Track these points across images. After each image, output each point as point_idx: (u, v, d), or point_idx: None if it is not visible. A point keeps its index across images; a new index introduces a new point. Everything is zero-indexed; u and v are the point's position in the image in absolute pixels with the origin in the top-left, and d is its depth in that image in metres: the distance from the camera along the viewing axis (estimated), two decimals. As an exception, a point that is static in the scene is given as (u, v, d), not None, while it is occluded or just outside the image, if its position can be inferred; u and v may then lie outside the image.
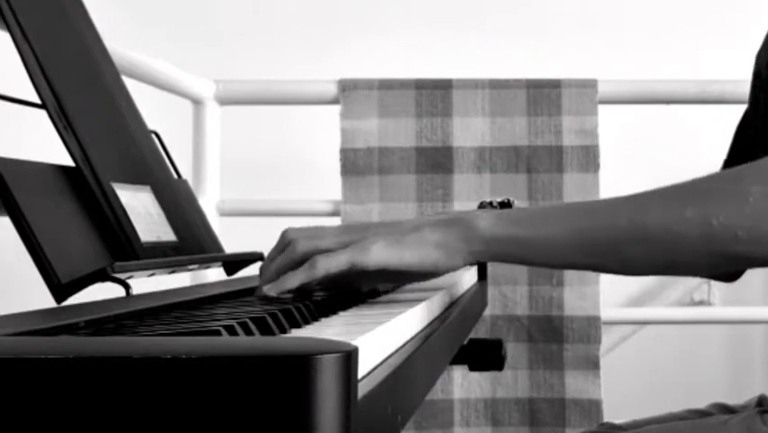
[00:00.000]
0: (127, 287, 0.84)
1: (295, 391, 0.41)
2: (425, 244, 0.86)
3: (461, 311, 1.04)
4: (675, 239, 0.82)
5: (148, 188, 1.06)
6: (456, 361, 1.36)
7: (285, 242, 0.90)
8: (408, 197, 1.93)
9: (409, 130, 1.95)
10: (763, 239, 0.81)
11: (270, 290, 0.85)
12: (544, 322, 1.91)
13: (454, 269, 0.89)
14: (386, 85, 1.96)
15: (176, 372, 0.41)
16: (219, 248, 1.24)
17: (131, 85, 1.20)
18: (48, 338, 0.54)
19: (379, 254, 0.85)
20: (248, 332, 0.59)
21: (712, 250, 0.82)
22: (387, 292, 1.06)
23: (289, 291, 0.87)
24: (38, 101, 0.93)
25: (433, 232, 0.87)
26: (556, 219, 0.87)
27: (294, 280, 0.85)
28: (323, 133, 2.22)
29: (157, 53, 1.86)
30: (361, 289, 0.94)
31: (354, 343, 0.46)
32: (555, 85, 1.95)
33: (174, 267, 1.01)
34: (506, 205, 1.26)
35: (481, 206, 1.29)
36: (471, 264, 0.90)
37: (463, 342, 1.31)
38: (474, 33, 2.71)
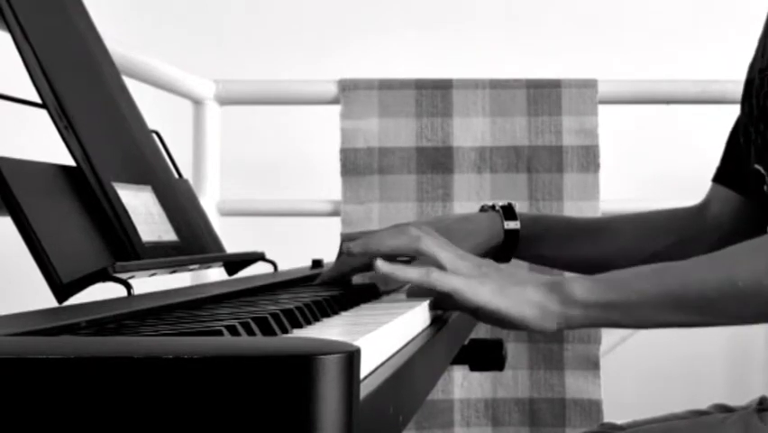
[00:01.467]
0: (128, 287, 0.84)
1: (297, 392, 0.41)
2: (524, 301, 0.92)
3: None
4: (764, 291, 0.88)
5: (149, 187, 1.06)
6: (457, 361, 1.36)
7: (409, 231, 0.96)
8: (408, 197, 1.93)
9: (409, 130, 1.94)
10: None
11: (382, 267, 0.91)
12: (545, 322, 1.91)
13: (545, 330, 0.93)
14: (386, 85, 1.96)
15: (178, 372, 0.41)
16: (220, 248, 1.24)
17: (131, 85, 1.20)
18: (49, 338, 0.54)
19: (481, 295, 0.91)
20: (250, 332, 0.59)
21: None
22: (388, 293, 1.06)
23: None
24: (38, 101, 0.93)
25: (535, 292, 0.92)
26: (647, 282, 0.92)
27: (407, 275, 0.91)
28: (323, 133, 2.22)
29: (157, 53, 1.86)
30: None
31: (356, 343, 0.46)
32: (555, 85, 1.95)
33: (175, 267, 1.01)
34: (507, 208, 1.26)
35: (482, 209, 1.29)
36: (568, 328, 0.95)
37: (464, 342, 1.31)
38: (474, 33, 2.70)
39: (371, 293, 1.00)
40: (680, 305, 0.91)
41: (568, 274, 1.42)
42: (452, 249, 0.94)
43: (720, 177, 1.28)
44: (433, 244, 0.94)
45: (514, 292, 0.91)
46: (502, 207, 1.27)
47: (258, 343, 0.47)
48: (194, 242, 1.12)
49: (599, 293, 0.91)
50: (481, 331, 1.91)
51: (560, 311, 0.92)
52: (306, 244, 1.78)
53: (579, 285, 0.92)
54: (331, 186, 2.01)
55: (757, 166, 1.12)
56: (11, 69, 1.00)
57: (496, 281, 0.92)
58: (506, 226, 1.25)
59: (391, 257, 0.97)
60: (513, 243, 1.25)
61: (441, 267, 0.92)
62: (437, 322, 0.90)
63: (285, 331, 0.65)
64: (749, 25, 1.96)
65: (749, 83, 1.16)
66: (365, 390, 0.50)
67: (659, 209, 1.35)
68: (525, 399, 1.92)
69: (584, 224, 1.35)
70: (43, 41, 0.95)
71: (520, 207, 1.94)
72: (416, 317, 0.81)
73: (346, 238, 1.17)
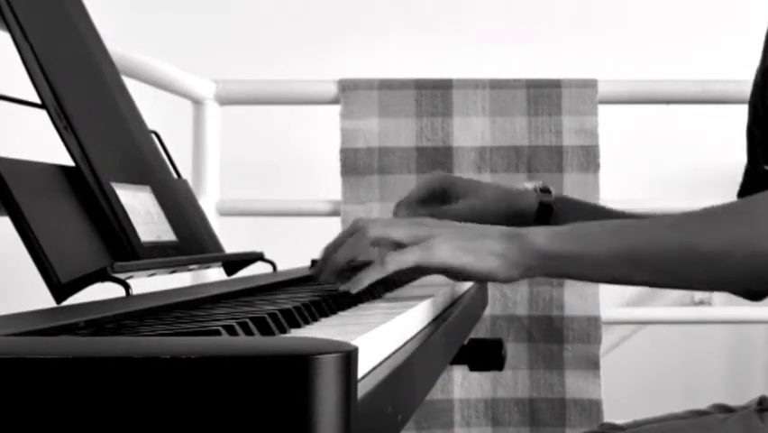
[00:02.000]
0: (127, 287, 0.84)
1: (295, 391, 0.41)
2: (487, 253, 0.92)
3: (461, 311, 1.04)
4: (723, 259, 0.88)
5: (148, 187, 1.06)
6: (456, 361, 1.36)
7: (355, 228, 0.96)
8: (408, 197, 1.93)
9: (409, 130, 1.95)
10: None
11: (349, 288, 0.90)
12: (545, 322, 1.91)
13: (510, 279, 0.93)
14: (386, 85, 1.96)
15: (176, 372, 0.41)
16: (219, 248, 1.24)
17: (131, 85, 1.20)
18: (48, 338, 0.54)
19: (444, 256, 0.91)
20: (248, 332, 0.59)
21: (755, 268, 0.88)
22: (388, 291, 1.06)
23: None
24: (38, 101, 0.93)
25: (495, 243, 0.92)
26: (609, 236, 0.92)
27: (370, 277, 0.90)
28: (323, 133, 2.22)
29: (157, 53, 1.86)
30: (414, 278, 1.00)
31: (354, 343, 0.46)
32: (555, 85, 1.95)
33: (174, 267, 1.01)
34: (545, 191, 1.26)
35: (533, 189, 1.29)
36: (528, 277, 0.94)
37: (463, 342, 1.31)
38: (474, 33, 2.70)
39: (370, 292, 1.00)
40: (639, 263, 0.90)
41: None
42: (401, 223, 0.95)
43: (743, 193, 1.27)
44: (381, 228, 0.94)
45: (475, 247, 0.91)
46: (541, 189, 1.28)
47: (255, 343, 0.47)
48: (193, 242, 1.13)
49: (560, 244, 0.91)
50: (481, 331, 1.91)
51: (521, 261, 0.92)
52: (305, 244, 1.78)
53: (540, 235, 0.92)
54: (331, 186, 2.01)
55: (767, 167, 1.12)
56: (11, 69, 1.00)
57: (454, 240, 0.92)
58: (541, 198, 1.25)
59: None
60: (545, 217, 1.25)
61: (400, 246, 0.92)
62: (436, 321, 0.90)
63: (283, 331, 0.65)
64: (749, 25, 1.96)
65: (756, 86, 1.16)
66: (363, 389, 0.50)
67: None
68: (525, 399, 1.92)
69: (617, 214, 1.35)
70: (43, 41, 0.95)
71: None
72: (415, 317, 0.81)
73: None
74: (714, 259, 0.88)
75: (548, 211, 1.25)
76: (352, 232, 0.96)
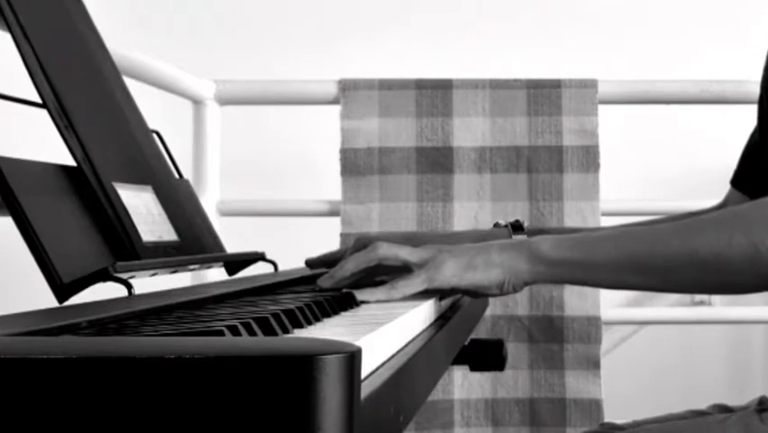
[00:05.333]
0: (129, 287, 0.84)
1: (298, 392, 0.41)
2: (492, 265, 0.94)
3: (462, 312, 1.04)
4: (724, 263, 0.90)
5: (149, 187, 1.06)
6: (457, 361, 1.36)
7: (366, 241, 1.00)
8: (408, 197, 1.93)
9: (409, 130, 1.94)
10: None
11: (361, 297, 0.92)
12: (545, 322, 1.91)
13: (518, 288, 0.96)
14: (386, 85, 1.96)
15: (179, 372, 0.41)
16: (221, 248, 1.24)
17: (131, 85, 1.20)
18: (50, 338, 0.54)
19: (450, 277, 0.94)
20: (251, 332, 0.59)
21: (758, 273, 0.90)
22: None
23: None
24: (39, 101, 0.93)
25: (500, 254, 0.95)
26: (612, 244, 0.94)
27: (375, 297, 0.92)
28: (323, 133, 2.22)
29: (157, 53, 1.86)
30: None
31: (357, 343, 0.46)
32: (555, 85, 1.95)
33: (176, 267, 1.01)
34: (517, 226, 1.28)
35: (496, 225, 1.31)
36: (534, 283, 0.97)
37: (464, 342, 1.31)
38: (474, 33, 2.70)
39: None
40: (641, 268, 0.93)
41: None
42: (407, 246, 0.97)
43: (736, 181, 1.28)
44: (390, 247, 0.97)
45: (480, 262, 0.94)
46: (511, 223, 1.30)
47: (259, 343, 0.47)
48: (194, 242, 1.13)
49: (564, 251, 0.94)
50: (482, 331, 1.91)
51: (528, 268, 0.94)
52: (306, 244, 1.78)
53: (544, 243, 0.95)
54: (331, 186, 2.01)
55: None
56: (11, 69, 1.00)
57: (457, 257, 0.94)
58: (513, 235, 1.28)
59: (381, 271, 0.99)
60: None
61: (405, 265, 0.95)
62: (438, 322, 0.90)
63: (286, 331, 0.65)
64: (749, 26, 1.96)
65: (765, 71, 1.16)
66: (366, 390, 0.50)
67: (671, 216, 1.35)
68: (525, 399, 1.92)
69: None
70: (43, 41, 0.95)
71: (521, 207, 1.95)
72: (417, 318, 0.81)
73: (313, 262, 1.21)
74: (711, 263, 0.90)
75: None
76: (362, 246, 0.99)
